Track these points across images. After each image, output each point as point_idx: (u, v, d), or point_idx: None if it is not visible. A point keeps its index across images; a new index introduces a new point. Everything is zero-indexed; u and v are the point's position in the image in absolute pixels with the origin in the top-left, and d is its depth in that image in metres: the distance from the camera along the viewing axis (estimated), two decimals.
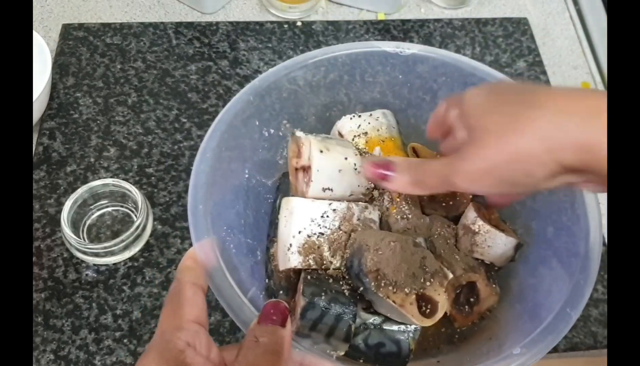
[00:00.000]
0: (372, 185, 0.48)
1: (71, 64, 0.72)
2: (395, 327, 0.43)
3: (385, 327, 0.44)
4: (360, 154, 0.48)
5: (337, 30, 0.77)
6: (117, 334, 0.55)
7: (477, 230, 0.48)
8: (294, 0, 0.77)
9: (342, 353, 0.43)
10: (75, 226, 0.58)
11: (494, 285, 0.48)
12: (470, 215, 0.48)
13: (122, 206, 0.61)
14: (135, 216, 0.60)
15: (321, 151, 0.46)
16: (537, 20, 0.81)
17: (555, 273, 0.46)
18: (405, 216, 0.48)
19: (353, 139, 0.52)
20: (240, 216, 0.50)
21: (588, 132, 0.32)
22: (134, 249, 0.58)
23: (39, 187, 0.63)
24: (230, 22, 0.77)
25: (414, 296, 0.41)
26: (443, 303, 0.42)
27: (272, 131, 0.54)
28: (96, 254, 0.57)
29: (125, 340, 0.54)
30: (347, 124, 0.53)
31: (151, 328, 0.55)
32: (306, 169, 0.47)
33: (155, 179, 0.64)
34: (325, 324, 0.42)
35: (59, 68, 0.72)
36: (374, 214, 0.47)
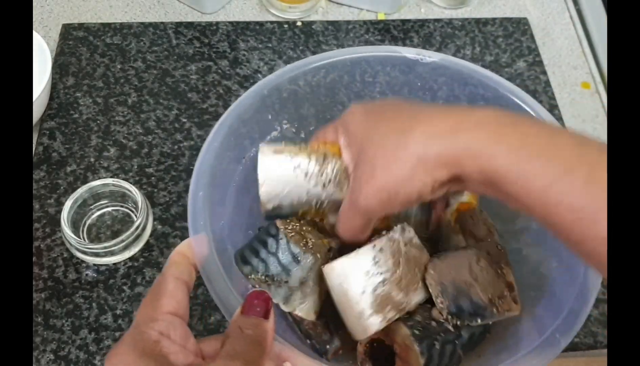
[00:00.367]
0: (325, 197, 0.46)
1: (71, 64, 0.72)
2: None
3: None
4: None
5: (337, 30, 0.77)
6: (117, 334, 0.55)
7: None
8: (294, 0, 0.77)
9: None
10: (75, 226, 0.58)
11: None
12: None
13: (122, 206, 0.61)
14: (135, 216, 0.60)
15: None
16: (537, 20, 0.81)
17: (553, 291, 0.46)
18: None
19: None
20: (239, 214, 0.50)
21: (450, 147, 0.37)
22: (134, 249, 0.58)
23: (39, 187, 0.63)
24: (230, 22, 0.77)
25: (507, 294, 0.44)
26: (411, 354, 0.43)
27: (273, 131, 0.54)
28: (96, 254, 0.57)
29: None
30: None
31: None
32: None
33: (155, 179, 0.64)
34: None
35: (59, 68, 0.72)
36: (410, 232, 0.45)
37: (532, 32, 0.79)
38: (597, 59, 0.78)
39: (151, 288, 0.36)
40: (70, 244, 0.57)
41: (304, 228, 0.45)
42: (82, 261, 0.58)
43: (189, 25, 0.77)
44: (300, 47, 0.75)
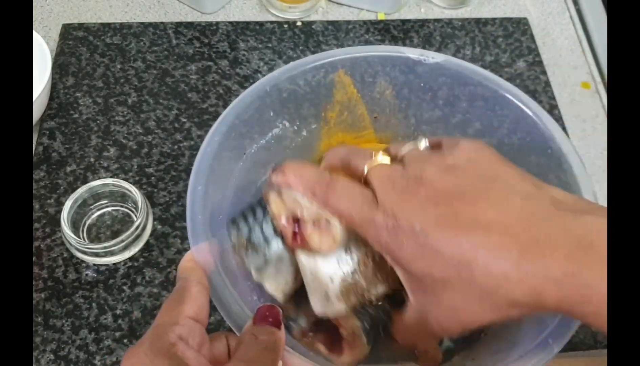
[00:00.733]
0: None
1: (71, 64, 0.72)
2: None
3: None
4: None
5: (337, 30, 0.77)
6: (117, 334, 0.55)
7: None
8: (294, 0, 0.77)
9: None
10: (75, 226, 0.58)
11: None
12: None
13: (122, 206, 0.61)
14: (135, 216, 0.60)
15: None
16: (537, 20, 0.81)
17: None
18: None
19: None
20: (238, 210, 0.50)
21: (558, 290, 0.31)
22: (134, 249, 0.58)
23: (39, 187, 0.63)
24: (230, 22, 0.77)
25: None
26: (353, 340, 0.43)
27: (275, 128, 0.54)
28: (96, 254, 0.57)
29: (125, 340, 0.54)
30: None
31: None
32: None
33: (155, 179, 0.64)
34: None
35: (59, 68, 0.72)
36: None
37: (532, 32, 0.79)
38: (597, 59, 0.78)
39: (173, 291, 0.36)
40: (70, 244, 0.57)
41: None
42: (82, 261, 0.58)
43: (189, 25, 0.77)
44: (300, 47, 0.75)
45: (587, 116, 0.73)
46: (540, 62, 0.76)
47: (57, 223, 0.59)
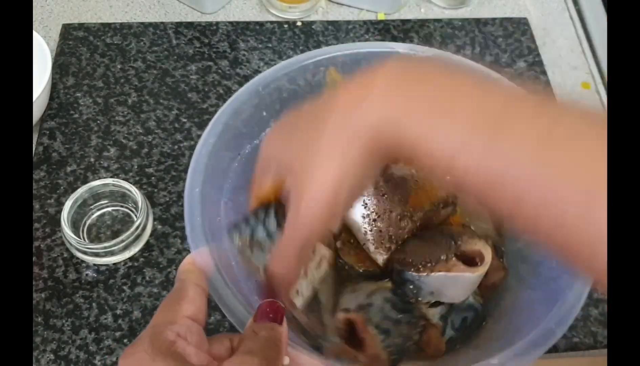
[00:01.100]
0: None
1: (71, 64, 0.72)
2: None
3: (454, 305, 0.46)
4: None
5: (337, 30, 0.77)
6: (117, 334, 0.55)
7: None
8: (294, 0, 0.77)
9: None
10: (75, 226, 0.58)
11: (501, 260, 0.48)
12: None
13: (122, 206, 0.61)
14: (135, 216, 0.60)
15: None
16: (537, 20, 0.81)
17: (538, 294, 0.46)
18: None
19: None
20: (235, 211, 0.50)
21: (362, 122, 0.33)
22: (134, 249, 0.58)
23: (39, 187, 0.63)
24: (230, 22, 0.77)
25: (453, 258, 0.44)
26: (485, 248, 0.44)
27: (268, 127, 0.54)
28: (96, 254, 0.57)
29: (125, 340, 0.54)
30: None
31: None
32: None
33: (155, 179, 0.64)
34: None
35: (59, 68, 0.72)
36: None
37: (532, 32, 0.79)
38: (597, 59, 0.78)
39: (170, 292, 0.36)
40: (70, 244, 0.57)
41: None
42: (82, 261, 0.58)
43: (189, 25, 0.77)
44: (300, 47, 0.75)
45: None
46: (540, 62, 0.76)
47: (57, 223, 0.59)
